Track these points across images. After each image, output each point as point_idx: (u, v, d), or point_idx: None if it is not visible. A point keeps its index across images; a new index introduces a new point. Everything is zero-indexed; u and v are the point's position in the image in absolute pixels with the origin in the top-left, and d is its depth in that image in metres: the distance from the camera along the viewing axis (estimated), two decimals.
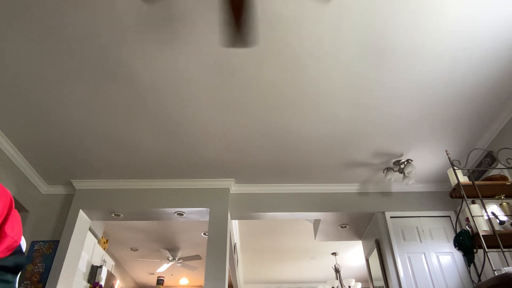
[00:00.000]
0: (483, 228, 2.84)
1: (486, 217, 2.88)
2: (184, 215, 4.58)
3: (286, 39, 2.73)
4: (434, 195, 4.66)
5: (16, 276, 0.69)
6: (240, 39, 2.14)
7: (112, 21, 2.57)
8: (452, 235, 4.35)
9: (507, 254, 3.44)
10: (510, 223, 2.92)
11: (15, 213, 0.69)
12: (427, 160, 4.21)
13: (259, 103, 3.35)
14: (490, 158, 3.72)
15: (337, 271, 7.42)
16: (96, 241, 5.27)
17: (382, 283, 4.36)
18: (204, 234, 6.56)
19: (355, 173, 4.45)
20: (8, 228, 0.64)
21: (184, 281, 9.38)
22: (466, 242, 2.86)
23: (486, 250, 2.62)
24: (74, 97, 3.26)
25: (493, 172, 3.59)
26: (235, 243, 6.22)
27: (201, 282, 9.31)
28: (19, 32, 2.63)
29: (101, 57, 2.83)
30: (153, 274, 8.80)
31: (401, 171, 4.17)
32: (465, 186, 2.92)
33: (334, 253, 7.53)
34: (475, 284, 3.02)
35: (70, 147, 3.94)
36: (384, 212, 4.54)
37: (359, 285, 7.09)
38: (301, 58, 2.89)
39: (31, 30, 2.62)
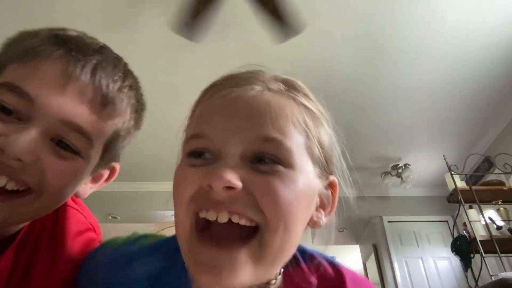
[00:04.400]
0: (480, 233, 2.84)
1: (483, 222, 2.88)
2: None
3: (287, 41, 2.73)
4: (432, 200, 4.66)
5: None
6: (190, 29, 2.15)
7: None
8: (449, 240, 4.35)
9: (504, 259, 3.44)
10: (507, 228, 2.93)
11: None
12: (424, 165, 4.22)
13: None
14: (487, 163, 3.73)
15: None
16: None
17: (379, 287, 4.35)
18: None
19: (352, 177, 4.43)
20: None
21: None
22: (463, 247, 2.86)
23: (483, 255, 2.63)
24: None
25: (491, 177, 3.60)
26: None
27: None
28: None
29: None
30: None
31: (399, 175, 4.18)
32: (463, 191, 2.92)
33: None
34: None
35: None
36: (381, 217, 4.54)
37: None
38: (299, 61, 2.89)
39: None
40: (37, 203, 0.49)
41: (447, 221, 4.50)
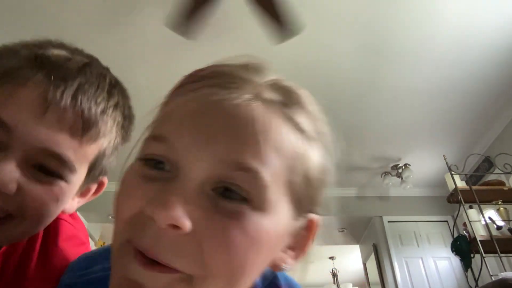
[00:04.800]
0: (480, 233, 2.84)
1: (483, 222, 2.88)
2: None
3: (286, 41, 2.73)
4: (432, 200, 4.66)
5: None
6: (186, 27, 2.16)
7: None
8: (449, 240, 4.35)
9: (504, 259, 3.44)
10: (507, 228, 2.93)
11: None
12: (424, 165, 4.22)
13: None
14: (487, 163, 3.73)
15: (334, 275, 7.42)
16: (93, 243, 5.25)
17: (379, 287, 4.35)
18: None
19: (353, 177, 4.45)
20: None
21: None
22: (463, 247, 2.86)
23: (483, 255, 2.63)
24: None
25: (491, 177, 3.60)
26: None
27: None
28: None
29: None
30: None
31: (399, 175, 4.18)
32: (463, 191, 2.92)
33: (331, 257, 7.52)
34: None
35: None
36: (381, 217, 4.54)
37: None
38: (300, 62, 2.89)
39: None
40: (21, 228, 0.48)
41: (447, 221, 4.50)
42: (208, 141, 0.32)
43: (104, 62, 0.60)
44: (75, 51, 0.55)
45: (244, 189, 0.31)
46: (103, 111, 0.52)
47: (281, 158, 0.33)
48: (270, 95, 0.36)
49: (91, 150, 0.52)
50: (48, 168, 0.48)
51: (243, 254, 0.31)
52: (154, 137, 0.36)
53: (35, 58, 0.50)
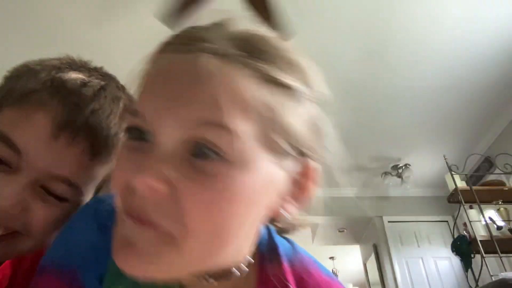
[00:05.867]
0: (480, 233, 2.84)
1: (483, 222, 2.88)
2: None
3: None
4: (432, 200, 4.66)
5: None
6: (176, 19, 2.15)
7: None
8: (449, 240, 4.34)
9: (504, 259, 3.44)
10: (507, 228, 2.93)
11: None
12: (425, 165, 4.22)
13: None
14: (488, 163, 3.72)
15: (334, 275, 7.40)
16: None
17: (379, 287, 4.35)
18: None
19: (353, 177, 4.44)
20: None
21: None
22: (464, 247, 2.86)
23: (484, 255, 2.62)
24: None
25: (491, 177, 3.60)
26: None
27: None
28: None
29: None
30: None
31: (399, 175, 4.17)
32: (463, 191, 2.92)
33: (331, 258, 7.52)
34: None
35: None
36: (382, 217, 4.53)
37: None
38: None
39: None
40: (27, 244, 0.50)
41: (447, 221, 4.49)
42: (171, 105, 0.32)
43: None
44: (94, 72, 0.55)
45: (214, 144, 0.31)
46: (115, 135, 0.52)
47: (248, 110, 0.32)
48: (228, 48, 0.34)
49: (100, 173, 0.53)
50: (55, 191, 0.48)
51: (224, 211, 0.32)
52: (129, 111, 0.36)
53: (51, 82, 0.50)
